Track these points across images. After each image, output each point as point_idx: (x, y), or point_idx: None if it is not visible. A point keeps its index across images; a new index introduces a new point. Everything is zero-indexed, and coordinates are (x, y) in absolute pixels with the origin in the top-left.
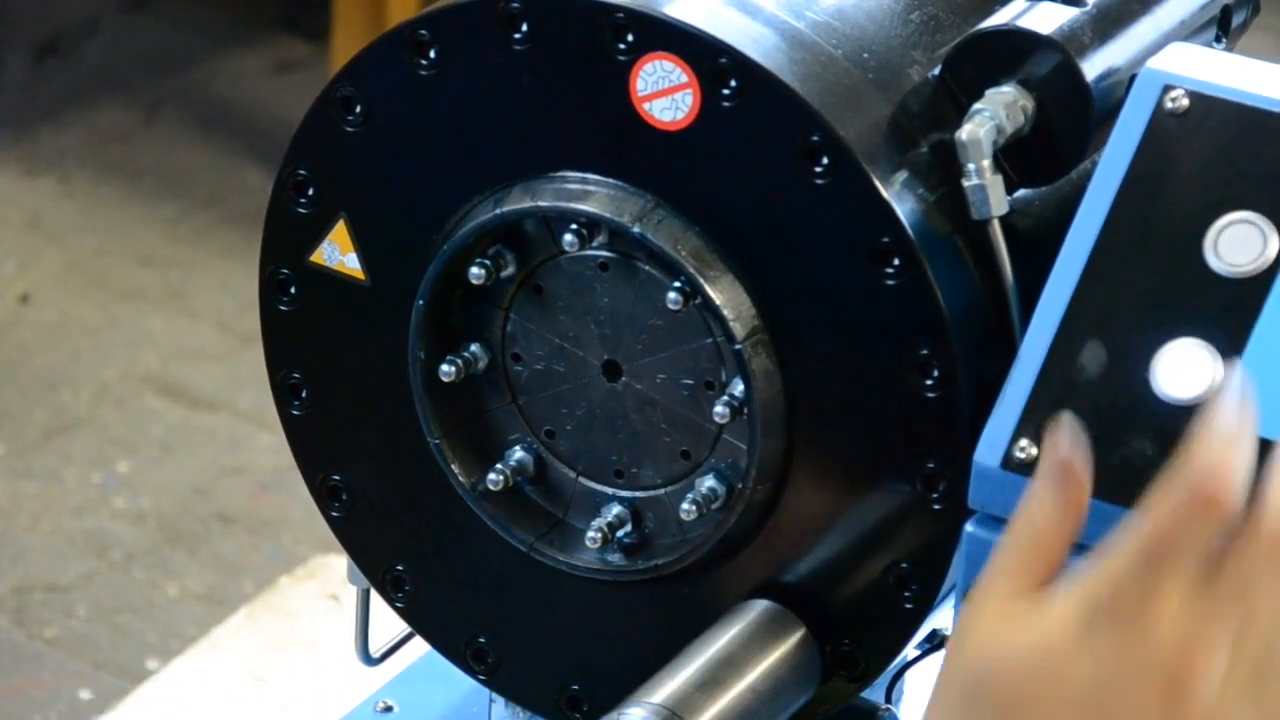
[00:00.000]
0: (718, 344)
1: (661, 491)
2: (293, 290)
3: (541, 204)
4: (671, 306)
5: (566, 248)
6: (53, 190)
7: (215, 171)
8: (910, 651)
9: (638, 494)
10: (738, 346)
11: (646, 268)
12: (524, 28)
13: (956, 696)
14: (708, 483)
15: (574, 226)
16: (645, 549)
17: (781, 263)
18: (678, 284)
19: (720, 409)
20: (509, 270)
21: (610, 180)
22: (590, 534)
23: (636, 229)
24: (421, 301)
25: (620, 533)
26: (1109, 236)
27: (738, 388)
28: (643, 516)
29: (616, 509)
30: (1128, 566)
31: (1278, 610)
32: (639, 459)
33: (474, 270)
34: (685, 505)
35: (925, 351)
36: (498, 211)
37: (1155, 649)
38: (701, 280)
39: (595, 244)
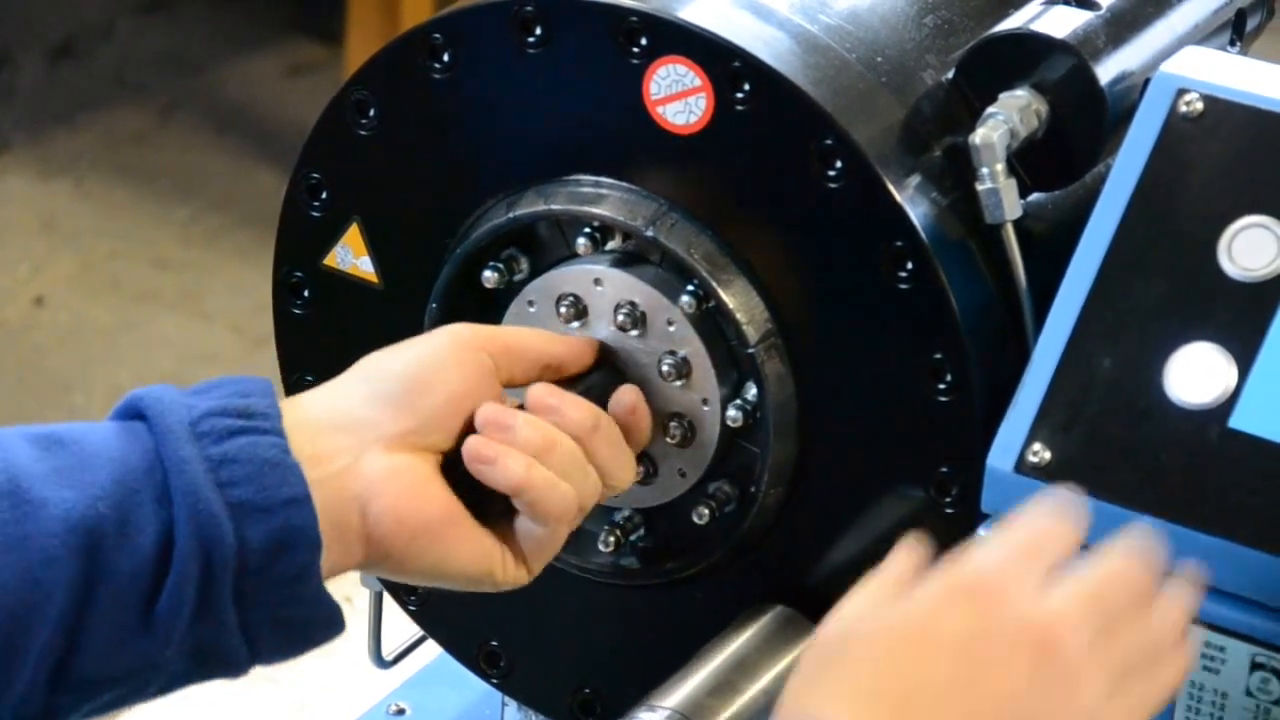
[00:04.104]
0: (731, 348)
1: (675, 495)
2: (306, 293)
3: (554, 207)
4: (685, 310)
5: (579, 251)
6: (67, 193)
7: (229, 174)
8: None
9: (650, 501)
10: (750, 350)
11: (660, 271)
12: (538, 31)
13: (813, 658)
14: (721, 486)
15: (587, 230)
16: (659, 553)
17: (794, 266)
18: (691, 288)
19: (733, 412)
20: (522, 273)
21: (623, 184)
22: (603, 538)
23: (650, 232)
24: (435, 304)
25: (633, 536)
26: (1123, 241)
27: (751, 391)
28: (656, 520)
29: (628, 512)
30: (989, 556)
31: (1130, 599)
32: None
33: (487, 273)
34: (699, 509)
35: (938, 355)
36: (511, 215)
37: (1019, 617)
38: (715, 284)
39: (608, 247)
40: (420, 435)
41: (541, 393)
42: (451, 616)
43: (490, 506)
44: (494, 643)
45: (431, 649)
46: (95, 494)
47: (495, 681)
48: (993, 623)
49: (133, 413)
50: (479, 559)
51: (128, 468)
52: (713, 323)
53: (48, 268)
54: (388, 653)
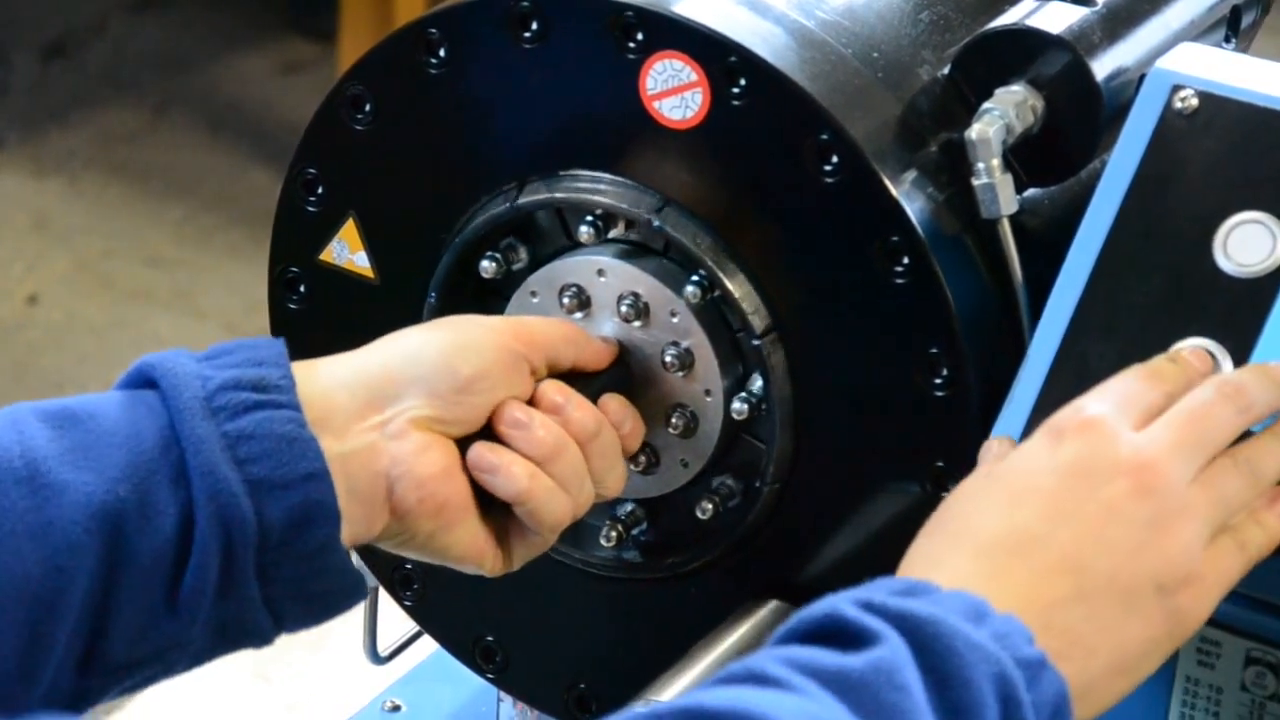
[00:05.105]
0: (736, 339)
1: (677, 486)
2: (302, 289)
3: (558, 195)
4: (689, 300)
5: (582, 239)
6: (60, 191)
7: (222, 172)
8: None
9: (653, 491)
10: (756, 342)
11: (663, 263)
12: (534, 26)
13: (925, 530)
14: (725, 481)
15: (589, 218)
16: (661, 547)
17: (790, 261)
18: (695, 278)
19: (738, 405)
20: (521, 263)
21: (620, 179)
22: (605, 532)
23: (657, 221)
24: (434, 295)
25: (636, 530)
26: (1118, 236)
27: (756, 384)
28: (658, 515)
29: (631, 506)
30: (1082, 402)
31: (1227, 424)
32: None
33: (485, 263)
34: (702, 504)
35: (934, 350)
36: (514, 203)
37: (1114, 446)
38: (721, 274)
39: (610, 236)
40: (448, 424)
41: (550, 390)
42: (447, 612)
43: (493, 500)
44: (490, 638)
45: (427, 645)
46: (113, 475)
47: (491, 677)
48: (1088, 454)
49: (144, 379)
50: (474, 550)
51: (144, 446)
52: (717, 313)
53: (41, 266)
54: (383, 649)
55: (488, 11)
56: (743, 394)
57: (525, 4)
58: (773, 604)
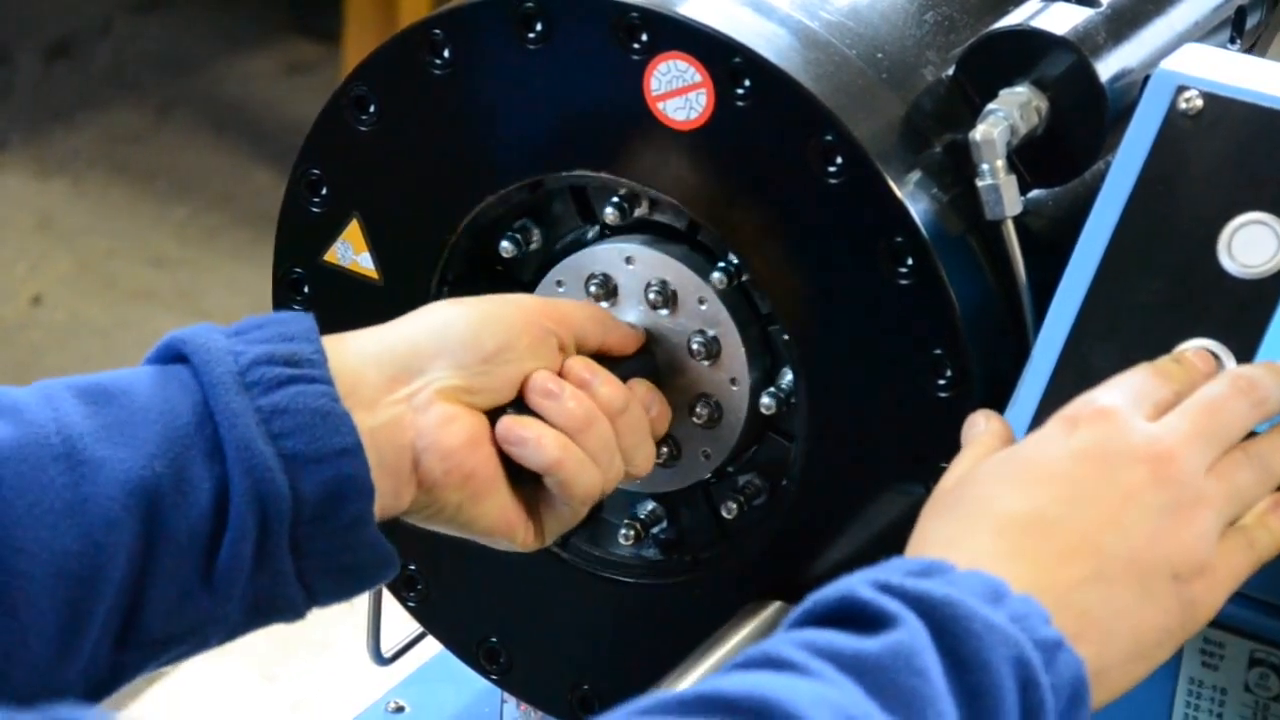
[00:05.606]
0: (765, 332)
1: (698, 479)
2: (306, 289)
3: (586, 173)
4: (717, 287)
5: (607, 220)
6: (64, 191)
7: (226, 173)
8: None
9: (673, 490)
10: (787, 336)
11: (690, 251)
12: (538, 27)
13: (930, 511)
14: (751, 480)
15: (615, 199)
16: (679, 546)
17: (794, 262)
18: (723, 263)
19: (767, 400)
20: (535, 244)
21: (624, 180)
22: (623, 531)
23: (689, 210)
24: (448, 276)
25: (655, 529)
26: (1122, 237)
27: (785, 378)
28: (678, 513)
29: (651, 505)
30: (1097, 392)
31: (1241, 417)
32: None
33: (504, 244)
34: (727, 502)
35: (938, 351)
36: (538, 181)
37: (1131, 434)
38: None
39: (636, 214)
40: (475, 394)
41: (578, 366)
42: (451, 613)
43: (523, 472)
44: (493, 639)
45: (431, 646)
46: (149, 451)
47: (495, 678)
48: (1107, 441)
49: (174, 355)
50: (503, 522)
51: (179, 422)
52: (745, 302)
53: (45, 266)
54: (387, 650)
55: (492, 12)
56: (771, 389)
57: (529, 5)
58: (775, 605)
